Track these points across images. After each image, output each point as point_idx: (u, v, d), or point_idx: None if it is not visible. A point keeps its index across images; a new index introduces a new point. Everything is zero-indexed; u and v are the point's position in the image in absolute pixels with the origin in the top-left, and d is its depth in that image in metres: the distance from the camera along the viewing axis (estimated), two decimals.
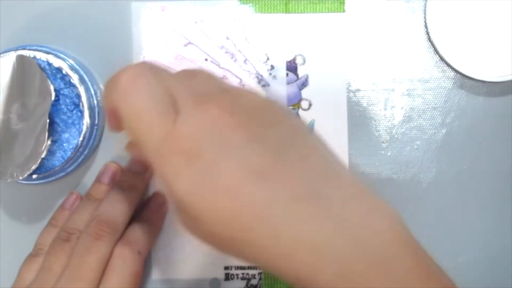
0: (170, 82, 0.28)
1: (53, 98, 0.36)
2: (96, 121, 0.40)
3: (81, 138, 0.39)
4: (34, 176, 0.39)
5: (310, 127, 0.28)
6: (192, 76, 0.29)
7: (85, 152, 0.40)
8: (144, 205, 0.41)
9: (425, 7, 0.41)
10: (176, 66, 0.42)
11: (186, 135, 0.25)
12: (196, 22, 0.42)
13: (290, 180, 0.25)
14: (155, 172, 0.27)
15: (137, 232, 0.38)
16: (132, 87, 0.27)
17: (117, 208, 0.38)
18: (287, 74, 0.42)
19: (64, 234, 0.37)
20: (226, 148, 0.25)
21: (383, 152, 0.42)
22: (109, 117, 0.30)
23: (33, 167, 0.36)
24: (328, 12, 0.42)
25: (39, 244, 0.39)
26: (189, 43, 0.42)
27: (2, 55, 0.38)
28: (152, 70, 0.28)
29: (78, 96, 0.39)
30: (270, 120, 0.27)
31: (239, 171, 0.25)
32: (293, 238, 0.24)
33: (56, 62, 0.38)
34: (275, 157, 0.25)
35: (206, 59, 0.42)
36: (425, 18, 0.41)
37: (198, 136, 0.25)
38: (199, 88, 0.28)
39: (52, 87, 0.36)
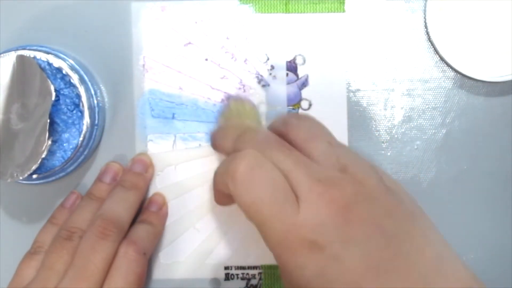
0: (286, 162, 0.27)
1: (53, 98, 0.36)
2: (96, 121, 0.40)
3: (81, 138, 0.39)
4: (34, 176, 0.39)
5: (419, 206, 0.29)
6: (306, 140, 0.30)
7: (85, 152, 0.40)
8: (145, 207, 0.41)
9: (425, 7, 0.41)
10: (176, 66, 0.42)
11: (309, 226, 0.26)
12: (196, 22, 0.42)
13: (407, 275, 0.25)
14: (276, 260, 0.27)
15: (141, 233, 0.38)
16: (250, 179, 0.27)
17: (121, 207, 0.38)
18: (287, 74, 0.42)
19: (65, 232, 0.37)
20: (349, 242, 0.25)
21: (383, 152, 0.42)
22: (219, 197, 0.31)
23: (34, 167, 0.36)
24: (328, 12, 0.42)
25: (37, 242, 0.38)
26: (189, 43, 0.42)
27: (2, 55, 0.38)
28: (267, 153, 0.28)
29: (78, 96, 0.39)
30: (388, 206, 0.27)
31: (360, 265, 0.25)
32: None
33: (56, 62, 0.38)
34: (394, 250, 0.25)
35: (206, 59, 0.42)
36: (425, 18, 0.41)
37: (321, 227, 0.25)
38: (317, 167, 0.27)
39: (52, 87, 0.36)
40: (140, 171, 0.41)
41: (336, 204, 0.26)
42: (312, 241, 0.25)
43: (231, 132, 0.34)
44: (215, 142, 0.37)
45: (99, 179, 0.41)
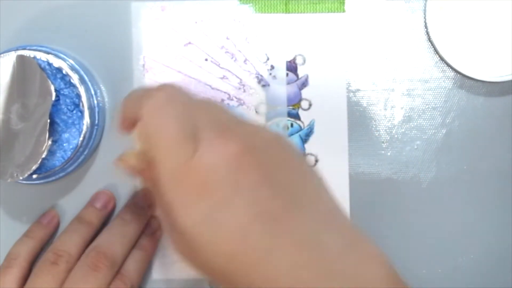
0: (194, 110, 0.28)
1: (53, 98, 0.36)
2: (96, 121, 0.40)
3: (81, 138, 0.39)
4: (34, 176, 0.39)
5: (312, 168, 0.30)
6: (210, 105, 0.30)
7: (85, 152, 0.40)
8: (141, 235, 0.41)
9: (425, 7, 0.41)
10: (176, 66, 0.42)
11: (203, 168, 0.26)
12: (196, 22, 0.42)
13: (295, 226, 0.25)
14: (159, 195, 0.27)
15: (131, 265, 0.38)
16: (163, 108, 0.28)
17: (117, 241, 0.38)
18: (287, 74, 0.42)
19: (52, 256, 0.37)
20: (239, 188, 0.26)
21: (383, 152, 0.42)
22: (123, 121, 0.30)
23: (34, 167, 0.36)
24: (328, 12, 0.42)
25: (12, 254, 0.38)
26: (189, 43, 0.42)
27: (2, 55, 0.38)
28: (182, 95, 0.29)
29: (78, 96, 0.39)
30: (282, 162, 0.28)
31: (248, 213, 0.25)
32: (291, 284, 0.25)
33: (56, 62, 0.38)
34: (283, 202, 0.26)
35: (206, 59, 0.42)
36: (425, 18, 0.41)
37: (214, 171, 0.26)
38: (219, 118, 0.28)
39: (52, 87, 0.36)
40: (142, 206, 0.41)
41: (229, 150, 0.26)
42: (203, 183, 0.26)
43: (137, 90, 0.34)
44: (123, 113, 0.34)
45: (90, 203, 0.41)
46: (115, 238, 0.38)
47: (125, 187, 0.42)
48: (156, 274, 0.42)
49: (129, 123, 0.29)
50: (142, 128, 0.28)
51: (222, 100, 0.42)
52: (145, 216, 0.41)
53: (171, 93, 0.28)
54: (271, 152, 0.28)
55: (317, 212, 0.27)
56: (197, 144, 0.26)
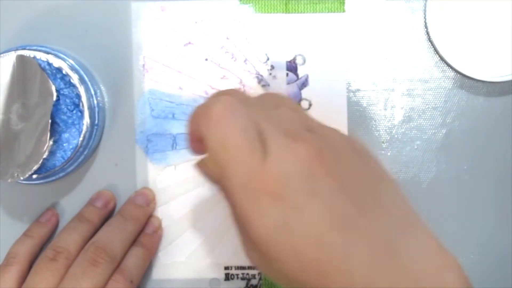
0: (258, 116, 0.28)
1: (54, 98, 0.36)
2: (96, 121, 0.40)
3: (81, 138, 0.39)
4: (35, 176, 0.39)
5: (389, 174, 0.29)
6: (276, 105, 0.30)
7: (85, 152, 0.40)
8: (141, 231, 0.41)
9: (425, 7, 0.41)
10: (176, 66, 0.42)
11: (275, 176, 0.25)
12: (196, 22, 0.42)
13: (371, 232, 0.25)
14: (232, 205, 0.27)
15: (131, 260, 0.39)
16: (224, 120, 0.27)
17: (117, 237, 0.38)
18: (287, 74, 0.42)
19: (51, 252, 0.37)
20: (314, 195, 0.25)
21: (383, 152, 0.42)
22: (192, 141, 0.30)
23: (35, 167, 0.36)
24: (328, 12, 0.42)
25: (11, 253, 0.39)
26: (189, 43, 0.42)
27: (2, 55, 0.38)
28: (243, 102, 0.28)
29: (78, 96, 0.39)
30: (356, 166, 0.27)
31: (323, 219, 0.25)
32: None
33: (56, 62, 0.39)
34: (359, 207, 0.26)
35: (206, 59, 0.42)
36: (425, 18, 0.42)
37: (287, 178, 0.25)
38: (286, 124, 0.28)
39: (53, 88, 0.37)
40: (141, 204, 0.41)
41: (302, 157, 0.26)
42: (276, 191, 0.25)
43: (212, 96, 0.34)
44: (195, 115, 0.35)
45: (90, 203, 0.41)
46: (114, 234, 0.38)
47: (125, 187, 0.42)
48: (156, 274, 0.42)
49: (198, 142, 0.29)
50: (208, 143, 0.28)
51: None
52: (145, 214, 0.41)
53: (229, 102, 0.28)
54: (345, 156, 0.27)
55: (394, 217, 0.26)
56: (266, 151, 0.26)
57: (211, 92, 0.42)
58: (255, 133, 0.27)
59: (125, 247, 0.38)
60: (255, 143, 0.26)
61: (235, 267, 0.42)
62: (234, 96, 0.29)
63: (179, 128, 0.42)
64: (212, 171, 0.28)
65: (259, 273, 0.42)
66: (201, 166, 0.30)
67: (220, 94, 0.31)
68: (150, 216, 0.42)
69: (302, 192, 0.25)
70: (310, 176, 0.25)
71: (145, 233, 0.41)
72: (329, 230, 0.25)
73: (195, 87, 0.42)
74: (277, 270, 0.26)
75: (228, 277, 0.42)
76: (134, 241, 0.40)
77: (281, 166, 0.26)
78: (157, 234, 0.42)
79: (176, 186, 0.42)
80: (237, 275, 0.42)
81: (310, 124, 0.29)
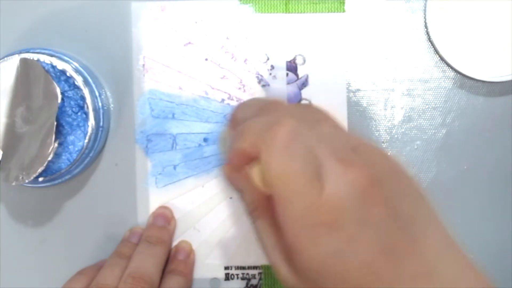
0: (311, 138, 0.28)
1: (59, 100, 0.37)
2: (101, 123, 0.41)
3: (86, 140, 0.40)
4: (40, 179, 0.40)
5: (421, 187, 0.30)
6: (318, 121, 0.30)
7: (91, 154, 0.41)
8: (172, 256, 0.42)
9: (425, 7, 0.43)
10: (176, 66, 0.44)
11: (332, 206, 0.27)
12: (196, 22, 0.43)
13: (415, 257, 0.27)
14: (278, 233, 0.28)
15: (172, 285, 0.40)
16: (289, 149, 0.28)
17: (150, 263, 0.39)
18: (287, 74, 0.44)
19: None
20: (367, 223, 0.27)
21: None
22: (241, 155, 0.30)
23: (40, 170, 0.37)
24: (328, 12, 0.44)
25: None
26: (189, 43, 0.43)
27: (5, 58, 0.39)
28: (302, 127, 0.29)
29: (83, 98, 0.40)
30: (402, 190, 0.29)
31: (375, 247, 0.27)
32: None
33: (60, 65, 0.40)
34: (407, 232, 0.27)
35: (206, 59, 0.43)
36: (425, 18, 0.43)
37: (342, 207, 0.27)
38: (334, 145, 0.28)
39: (58, 90, 0.38)
40: (163, 225, 0.42)
41: (357, 186, 0.27)
42: (332, 221, 0.27)
43: (255, 102, 0.35)
44: (236, 115, 0.36)
45: (126, 239, 0.42)
46: (147, 261, 0.39)
47: (125, 187, 0.43)
48: None
49: (246, 158, 0.29)
50: (264, 167, 0.28)
51: (222, 100, 0.43)
52: (169, 234, 0.42)
53: (293, 127, 0.28)
54: (393, 180, 0.29)
55: (435, 238, 0.28)
56: (322, 179, 0.27)
57: (211, 92, 0.43)
58: (314, 160, 0.27)
59: (160, 272, 0.40)
60: (314, 173, 0.27)
61: (235, 267, 0.43)
62: (294, 115, 0.29)
63: (179, 128, 0.43)
64: (259, 184, 0.29)
65: (259, 273, 0.43)
66: (250, 174, 0.30)
67: (267, 109, 0.31)
68: (180, 241, 0.43)
69: (356, 222, 0.27)
70: (363, 205, 0.27)
71: (178, 260, 0.42)
72: (380, 256, 0.26)
73: (195, 87, 0.43)
74: None
75: (228, 277, 0.43)
76: (166, 263, 0.41)
77: (337, 196, 0.27)
78: (190, 259, 0.42)
79: (176, 186, 0.43)
80: (237, 275, 0.43)
81: (353, 143, 0.29)
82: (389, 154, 0.31)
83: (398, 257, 0.27)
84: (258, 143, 0.29)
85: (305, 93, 0.44)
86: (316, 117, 0.31)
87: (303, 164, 0.27)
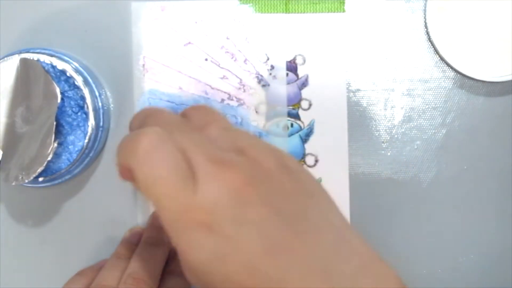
0: (185, 141, 0.29)
1: (59, 100, 0.38)
2: (101, 123, 0.42)
3: (86, 140, 0.40)
4: (40, 179, 0.40)
5: (319, 181, 0.30)
6: (206, 124, 0.31)
7: (91, 154, 0.42)
8: (172, 256, 0.43)
9: (425, 7, 0.43)
10: (176, 66, 0.44)
11: (205, 207, 0.27)
12: (196, 22, 0.44)
13: (305, 255, 0.27)
14: (171, 238, 0.29)
15: (172, 285, 0.40)
16: (152, 156, 0.28)
17: (149, 264, 0.39)
18: (287, 74, 0.44)
19: None
20: (245, 222, 0.27)
21: (383, 152, 0.44)
22: (122, 172, 0.30)
23: (39, 170, 0.38)
24: (328, 12, 0.44)
25: None
26: (189, 43, 0.44)
27: (5, 58, 0.40)
28: (169, 127, 0.29)
29: (83, 98, 0.40)
30: (286, 186, 0.29)
31: (256, 246, 0.26)
32: None
33: (60, 65, 0.40)
34: (292, 230, 0.27)
35: (206, 59, 0.44)
36: (425, 18, 0.44)
37: (217, 208, 0.27)
38: (214, 147, 0.29)
39: (58, 90, 0.38)
40: (161, 225, 0.42)
41: (231, 185, 0.27)
42: (207, 222, 0.26)
43: (141, 113, 0.35)
44: (129, 126, 0.35)
45: (126, 240, 0.43)
46: (146, 262, 0.39)
47: (125, 187, 0.44)
48: None
49: (127, 173, 0.30)
50: (137, 178, 0.28)
51: (222, 100, 0.44)
52: (168, 234, 0.42)
53: (155, 135, 0.28)
54: (275, 177, 0.28)
55: (328, 235, 0.28)
56: (196, 182, 0.27)
57: (211, 92, 0.44)
58: (184, 164, 0.28)
59: (159, 271, 0.40)
60: (185, 176, 0.27)
61: None
62: (160, 122, 0.30)
63: None
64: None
65: None
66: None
67: (146, 121, 0.32)
68: None
69: (233, 221, 0.26)
70: (240, 204, 0.27)
71: (178, 260, 0.41)
72: (263, 255, 0.26)
73: (195, 87, 0.44)
74: None
75: None
76: (166, 265, 0.42)
77: (210, 197, 0.27)
78: None
79: None
80: None
81: (239, 145, 0.30)
82: (283, 153, 0.30)
83: (286, 256, 0.26)
84: (127, 156, 0.29)
85: (305, 93, 0.44)
86: (206, 119, 0.32)
87: (172, 169, 0.27)
